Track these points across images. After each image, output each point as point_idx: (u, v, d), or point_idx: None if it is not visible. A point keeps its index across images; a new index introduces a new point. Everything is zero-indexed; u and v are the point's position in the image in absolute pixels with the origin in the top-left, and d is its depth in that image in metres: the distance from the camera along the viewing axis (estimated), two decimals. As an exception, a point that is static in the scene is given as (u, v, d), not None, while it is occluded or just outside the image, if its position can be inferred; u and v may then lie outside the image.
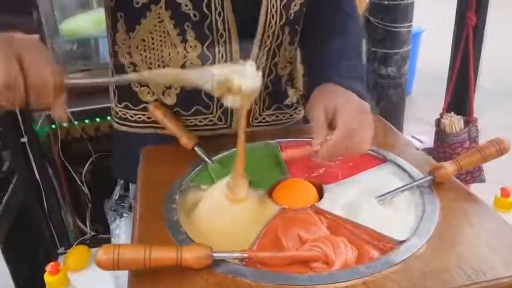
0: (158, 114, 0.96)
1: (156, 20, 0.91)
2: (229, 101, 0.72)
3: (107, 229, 1.70)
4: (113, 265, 0.59)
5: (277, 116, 1.09)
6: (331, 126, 0.80)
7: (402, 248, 0.65)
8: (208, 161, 0.89)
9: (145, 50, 0.96)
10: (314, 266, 0.63)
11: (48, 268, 1.18)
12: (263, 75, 1.00)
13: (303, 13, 0.98)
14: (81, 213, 1.97)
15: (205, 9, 0.88)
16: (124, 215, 1.60)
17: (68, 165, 1.86)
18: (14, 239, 1.47)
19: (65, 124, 1.84)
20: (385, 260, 0.63)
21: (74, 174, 1.88)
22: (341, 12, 0.99)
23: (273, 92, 1.05)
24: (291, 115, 1.12)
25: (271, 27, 0.93)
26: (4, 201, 1.47)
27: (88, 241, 1.89)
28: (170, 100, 0.99)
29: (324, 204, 0.76)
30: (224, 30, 0.91)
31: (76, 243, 1.83)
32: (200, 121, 1.01)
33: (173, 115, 0.98)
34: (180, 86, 0.97)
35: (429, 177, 0.80)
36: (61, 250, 1.75)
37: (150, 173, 0.89)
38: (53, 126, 1.81)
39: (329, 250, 0.63)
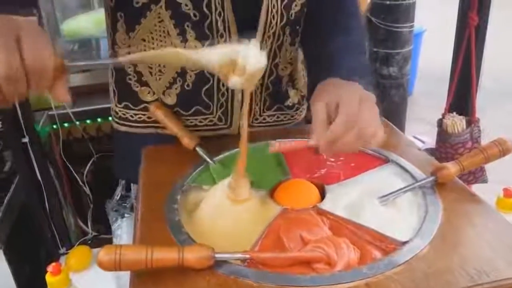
0: (159, 114, 0.96)
1: (156, 20, 0.91)
2: (233, 82, 0.71)
3: (108, 229, 1.69)
4: (114, 266, 0.59)
5: (278, 117, 1.09)
6: None
7: (405, 249, 0.65)
8: (210, 161, 0.89)
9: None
10: (316, 267, 0.63)
11: (50, 268, 1.18)
12: (264, 76, 1.00)
13: (303, 14, 0.98)
14: (83, 213, 1.97)
15: (205, 9, 0.88)
16: (126, 215, 1.60)
17: (69, 165, 1.86)
18: (15, 240, 1.47)
19: (66, 125, 1.84)
20: (388, 261, 0.63)
21: (75, 174, 1.88)
22: (343, 11, 0.98)
23: (273, 93, 1.05)
24: (292, 116, 1.11)
25: (272, 28, 0.93)
26: (5, 201, 1.47)
27: (89, 242, 1.89)
28: (170, 100, 0.99)
29: (326, 205, 0.76)
30: (224, 30, 0.90)
31: (77, 243, 1.83)
32: (200, 121, 1.01)
33: (174, 115, 0.98)
34: (180, 85, 0.97)
35: (432, 178, 0.79)
36: (62, 250, 1.75)
37: (152, 173, 0.89)
38: (54, 126, 1.81)
39: (332, 251, 0.63)
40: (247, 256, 0.64)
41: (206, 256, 0.61)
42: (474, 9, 1.89)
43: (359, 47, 0.96)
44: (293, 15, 0.95)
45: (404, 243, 0.66)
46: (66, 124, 1.84)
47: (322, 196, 0.79)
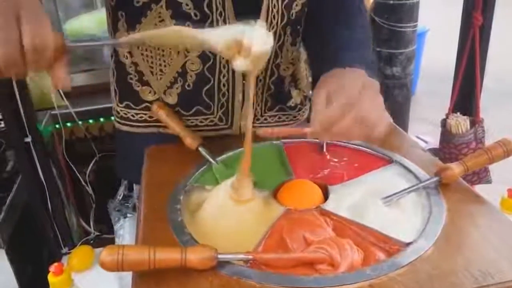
0: (162, 114, 0.96)
1: (156, 19, 0.90)
2: (238, 64, 0.69)
3: (111, 229, 1.70)
4: (117, 266, 0.59)
5: (279, 118, 1.08)
6: None
7: (409, 250, 0.65)
8: (213, 161, 0.88)
9: (146, 50, 0.96)
10: (320, 268, 0.62)
11: (52, 268, 1.18)
12: (265, 77, 1.00)
13: (304, 13, 0.98)
14: (85, 213, 1.97)
15: (206, 9, 0.87)
16: (128, 215, 1.60)
17: (72, 165, 1.86)
18: (18, 239, 1.47)
19: (69, 124, 1.84)
20: (392, 263, 0.62)
21: (78, 174, 1.88)
22: (346, 10, 0.96)
23: (275, 94, 1.04)
24: (294, 117, 1.11)
25: (273, 28, 0.93)
26: (8, 201, 1.47)
27: (92, 241, 1.89)
28: (171, 99, 0.99)
29: (329, 205, 0.75)
30: None
31: (80, 243, 1.83)
32: (201, 122, 1.01)
33: (176, 115, 0.98)
34: (181, 85, 0.97)
35: (436, 178, 0.79)
36: (65, 250, 1.75)
37: (154, 173, 0.89)
38: (57, 126, 1.81)
39: (335, 252, 0.62)
40: (250, 257, 0.63)
41: (208, 256, 0.61)
42: (479, 9, 1.88)
43: (363, 44, 0.93)
44: (294, 15, 0.95)
45: (408, 244, 0.66)
46: (68, 124, 1.84)
47: (326, 196, 0.79)
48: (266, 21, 0.91)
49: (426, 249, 0.64)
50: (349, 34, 0.92)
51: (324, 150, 0.92)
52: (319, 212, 0.74)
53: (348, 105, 0.70)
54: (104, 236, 1.93)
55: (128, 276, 0.64)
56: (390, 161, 0.88)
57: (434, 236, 0.67)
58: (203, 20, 0.88)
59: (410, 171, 0.84)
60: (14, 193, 1.52)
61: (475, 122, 1.99)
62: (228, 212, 0.73)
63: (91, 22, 2.01)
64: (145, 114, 1.02)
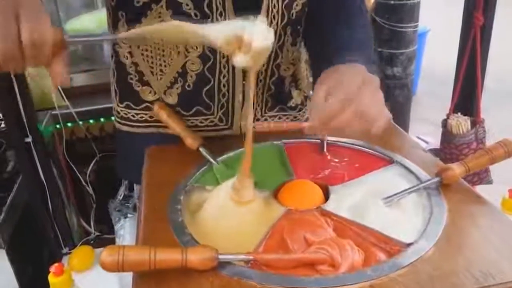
0: (163, 114, 0.96)
1: (157, 19, 0.90)
2: (239, 60, 0.68)
3: (111, 229, 1.70)
4: (117, 267, 0.59)
5: (280, 118, 1.08)
6: None
7: (410, 250, 0.64)
8: (213, 162, 0.88)
9: (146, 50, 0.95)
10: (321, 269, 0.62)
11: (52, 269, 1.18)
12: (265, 77, 1.00)
13: (305, 13, 0.97)
14: (86, 213, 1.97)
15: (206, 9, 0.87)
16: (129, 215, 1.60)
17: (72, 165, 1.86)
18: (18, 240, 1.47)
19: (69, 124, 1.84)
20: (393, 263, 0.62)
21: (78, 174, 1.88)
22: (346, 9, 0.96)
23: (275, 94, 1.04)
24: (295, 117, 1.11)
25: (273, 28, 0.92)
26: (8, 201, 1.47)
27: (92, 242, 1.89)
28: (172, 99, 0.99)
29: (330, 206, 0.75)
30: None
31: (80, 243, 1.83)
32: (201, 122, 1.01)
33: (177, 116, 0.98)
34: (181, 85, 0.97)
35: (437, 179, 0.79)
36: (65, 250, 1.75)
37: (155, 173, 0.89)
38: (57, 126, 1.81)
39: (336, 252, 0.62)
40: (251, 257, 0.63)
41: (209, 257, 0.61)
42: (480, 9, 1.88)
43: (363, 43, 0.93)
44: (294, 15, 0.94)
45: (409, 244, 0.66)
46: (69, 124, 1.84)
47: (326, 197, 0.79)
48: (266, 21, 0.91)
49: (427, 250, 0.64)
50: (350, 34, 0.92)
51: (325, 150, 0.92)
52: (320, 213, 0.74)
53: (347, 100, 0.70)
54: (105, 236, 1.92)
55: (128, 276, 0.64)
56: (391, 161, 0.88)
57: (435, 236, 0.67)
58: (203, 20, 0.88)
59: (411, 171, 0.84)
60: (14, 193, 1.52)
61: (476, 122, 1.99)
62: (228, 212, 0.73)
63: (92, 22, 2.00)
64: (146, 114, 1.02)
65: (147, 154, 0.95)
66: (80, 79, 1.91)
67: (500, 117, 3.47)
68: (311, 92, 1.12)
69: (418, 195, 0.78)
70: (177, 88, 0.97)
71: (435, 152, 2.02)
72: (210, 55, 0.92)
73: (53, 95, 1.74)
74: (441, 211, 0.73)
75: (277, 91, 1.04)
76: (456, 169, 0.79)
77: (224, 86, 0.96)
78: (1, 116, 1.63)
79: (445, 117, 2.05)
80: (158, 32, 0.71)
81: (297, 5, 0.94)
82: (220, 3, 0.87)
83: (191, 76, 0.95)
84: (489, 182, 2.00)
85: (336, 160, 0.90)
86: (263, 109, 1.04)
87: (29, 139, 1.54)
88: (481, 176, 1.97)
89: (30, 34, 0.59)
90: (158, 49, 0.94)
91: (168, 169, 0.89)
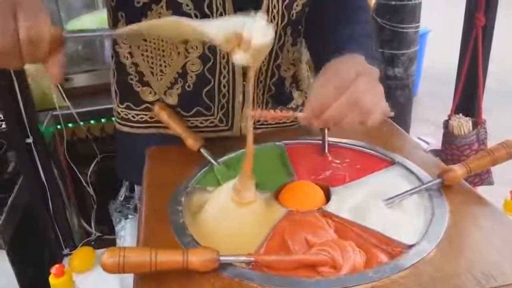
0: (164, 115, 0.96)
1: None
2: (238, 58, 0.67)
3: (112, 230, 1.70)
4: (118, 269, 0.59)
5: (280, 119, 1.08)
6: None
7: (411, 252, 0.64)
8: (214, 163, 0.88)
9: (146, 50, 0.95)
10: (322, 271, 0.62)
11: (53, 270, 1.18)
12: (266, 77, 0.99)
13: (305, 13, 0.97)
14: (86, 214, 1.97)
15: (206, 10, 0.87)
16: (129, 216, 1.60)
17: (73, 166, 1.86)
18: (19, 240, 1.47)
19: (70, 125, 1.84)
20: (394, 265, 0.62)
21: (79, 175, 1.88)
22: (347, 9, 0.95)
23: (276, 95, 1.04)
24: (295, 118, 1.10)
25: (273, 28, 0.92)
26: (9, 202, 1.47)
27: (93, 242, 1.89)
28: (172, 100, 0.98)
29: (331, 207, 0.75)
30: None
31: (81, 244, 1.83)
32: (201, 123, 1.01)
33: (178, 116, 0.97)
34: (181, 86, 0.96)
35: (438, 180, 0.79)
36: (66, 251, 1.75)
37: (156, 174, 0.89)
38: (58, 126, 1.81)
39: (337, 254, 0.62)
40: (252, 259, 0.63)
41: (210, 259, 0.61)
42: (481, 9, 1.88)
43: (364, 39, 0.90)
44: (294, 15, 0.94)
45: (411, 246, 0.66)
46: (70, 125, 1.84)
47: (327, 198, 0.79)
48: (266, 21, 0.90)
49: (429, 251, 0.64)
50: (350, 32, 0.91)
51: (326, 151, 0.92)
52: (321, 214, 0.74)
53: (341, 88, 0.68)
54: (105, 237, 1.92)
55: (129, 277, 0.64)
56: (392, 162, 0.88)
57: (437, 238, 0.67)
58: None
59: (412, 172, 0.84)
60: (15, 194, 1.52)
61: (478, 123, 1.99)
62: (229, 213, 0.73)
63: (93, 23, 2.00)
64: (146, 115, 1.02)
65: (148, 155, 0.95)
66: (81, 80, 1.91)
67: (501, 118, 3.47)
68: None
69: (419, 197, 0.78)
70: (177, 89, 0.97)
71: (436, 153, 2.02)
72: (210, 56, 0.92)
73: (54, 96, 1.74)
74: (443, 213, 0.72)
75: (278, 92, 1.03)
76: (458, 170, 0.79)
77: (224, 86, 0.96)
78: (2, 116, 1.64)
79: (446, 117, 2.05)
80: (156, 28, 0.70)
81: (297, 5, 0.93)
82: (220, 4, 0.87)
83: (191, 77, 0.95)
84: (490, 183, 2.00)
85: (337, 161, 0.90)
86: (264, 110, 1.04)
87: (30, 140, 1.54)
88: (482, 177, 1.97)
89: (28, 31, 0.59)
90: (158, 50, 0.94)
91: (169, 170, 0.89)
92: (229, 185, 0.75)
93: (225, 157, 0.91)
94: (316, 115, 0.71)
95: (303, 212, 0.74)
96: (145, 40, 0.94)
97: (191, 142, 0.91)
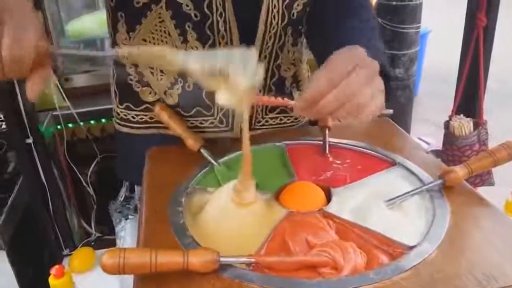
0: (164, 115, 0.96)
1: (157, 20, 0.90)
2: (222, 98, 0.64)
3: (112, 231, 1.70)
4: (118, 270, 0.58)
5: (281, 120, 1.07)
6: None
7: (412, 253, 0.64)
8: (215, 163, 0.88)
9: None
10: (323, 272, 0.62)
11: (53, 271, 1.18)
12: (266, 78, 0.99)
13: (306, 13, 0.97)
14: (86, 214, 1.97)
15: (206, 10, 0.87)
16: (130, 216, 1.60)
17: (73, 166, 1.86)
18: (19, 241, 1.47)
19: (70, 125, 1.84)
20: (395, 266, 0.62)
21: (79, 175, 1.88)
22: (347, 8, 0.94)
23: (276, 95, 1.03)
24: (296, 118, 1.10)
25: (273, 28, 0.92)
26: (9, 202, 1.47)
27: (93, 243, 1.89)
28: (172, 100, 0.98)
29: (332, 208, 0.75)
30: (226, 31, 0.90)
31: (81, 244, 1.83)
32: (201, 123, 1.00)
33: (178, 117, 0.97)
34: (181, 86, 0.96)
35: (439, 181, 0.78)
36: (66, 251, 1.75)
37: (156, 174, 0.89)
38: (58, 126, 1.81)
39: (338, 255, 0.62)
40: (252, 260, 0.63)
41: (211, 260, 0.60)
42: (483, 9, 1.87)
43: (365, 35, 0.89)
44: (295, 15, 0.94)
45: (412, 247, 0.65)
46: (70, 125, 1.84)
47: (328, 199, 0.78)
48: (266, 21, 0.90)
49: (430, 252, 0.64)
50: (352, 28, 0.90)
51: (327, 152, 0.92)
52: (322, 215, 0.74)
53: (335, 80, 0.67)
54: (105, 237, 1.92)
55: (129, 278, 0.64)
56: (393, 163, 0.88)
57: (438, 239, 0.66)
58: (203, 21, 0.88)
59: (413, 173, 0.84)
60: (15, 194, 1.52)
61: (479, 124, 1.98)
62: (230, 214, 0.73)
63: (93, 23, 2.01)
64: (146, 115, 1.02)
65: (148, 156, 0.95)
66: (81, 80, 1.91)
67: (502, 118, 3.47)
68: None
69: (420, 197, 0.77)
70: (177, 89, 0.97)
71: (436, 153, 2.01)
72: None
73: (54, 96, 1.74)
74: (444, 214, 0.72)
75: (278, 92, 1.03)
76: (459, 171, 0.78)
77: None
78: (2, 116, 1.63)
79: (446, 118, 2.05)
80: (144, 55, 0.67)
81: (298, 5, 0.93)
82: (220, 4, 0.87)
83: (191, 77, 0.95)
84: (491, 184, 2.00)
85: (338, 162, 0.89)
86: (264, 111, 1.04)
87: (30, 140, 1.54)
88: (483, 178, 1.97)
89: (10, 50, 0.58)
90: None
91: (169, 170, 0.88)
92: (230, 186, 0.75)
93: (226, 158, 0.90)
94: (309, 106, 0.69)
95: (303, 213, 0.74)
96: (145, 40, 0.94)
97: (192, 142, 0.91)
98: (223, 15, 0.88)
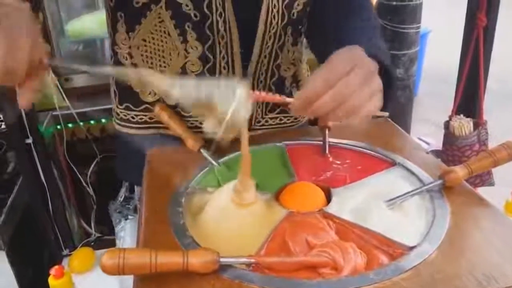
0: (164, 115, 0.96)
1: (156, 20, 0.90)
2: (209, 126, 0.64)
3: (112, 231, 1.70)
4: (118, 270, 0.58)
5: (280, 120, 1.07)
6: None
7: (413, 254, 0.64)
8: (215, 163, 0.88)
9: (146, 51, 0.95)
10: (323, 272, 0.62)
11: (53, 271, 1.18)
12: (266, 78, 0.99)
13: (306, 13, 0.97)
14: (86, 214, 1.97)
15: (205, 10, 0.87)
16: (129, 217, 1.60)
17: (73, 166, 1.86)
18: (18, 241, 1.47)
19: (70, 125, 1.84)
20: (395, 267, 0.62)
21: (79, 175, 1.88)
22: (348, 8, 0.94)
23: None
24: (295, 118, 1.10)
25: (273, 28, 0.92)
26: (9, 202, 1.47)
27: (92, 243, 1.89)
28: (172, 100, 0.98)
29: (332, 208, 0.75)
30: (225, 31, 0.89)
31: (80, 245, 1.83)
32: (201, 123, 1.00)
33: (178, 117, 0.97)
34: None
35: (439, 181, 0.78)
36: (65, 252, 1.75)
37: (156, 175, 0.89)
38: (58, 126, 1.81)
39: (338, 255, 0.62)
40: (252, 260, 0.63)
41: (211, 260, 0.60)
42: (483, 10, 1.87)
43: (366, 34, 0.88)
44: (295, 14, 0.94)
45: (412, 248, 0.65)
46: (70, 125, 1.84)
47: (328, 199, 0.78)
48: (266, 21, 0.90)
49: (430, 253, 0.64)
50: (352, 28, 0.90)
51: (327, 152, 0.91)
52: (322, 215, 0.73)
53: (331, 81, 0.66)
54: (105, 237, 1.92)
55: (129, 278, 0.63)
56: (393, 163, 0.87)
57: (438, 239, 0.66)
58: (202, 21, 0.88)
59: (413, 173, 0.83)
60: (15, 195, 1.52)
61: (479, 124, 1.98)
62: (230, 215, 0.73)
63: (93, 23, 2.01)
64: (145, 115, 1.01)
65: (148, 156, 0.94)
66: (81, 80, 1.91)
67: (502, 118, 3.47)
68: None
69: (421, 198, 0.77)
70: (177, 89, 0.97)
71: (436, 153, 2.01)
72: (210, 56, 0.92)
73: (54, 96, 1.74)
74: (444, 214, 0.72)
75: (278, 92, 1.02)
76: (459, 171, 0.78)
77: None
78: (2, 117, 1.63)
79: (446, 118, 2.05)
80: (142, 77, 0.68)
81: (298, 4, 0.93)
82: (220, 4, 0.86)
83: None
84: (491, 184, 2.00)
85: (338, 162, 0.89)
86: (264, 111, 1.04)
87: (29, 140, 1.54)
88: (483, 178, 1.97)
89: (3, 63, 0.58)
90: (158, 50, 0.94)
91: (169, 170, 0.88)
92: (230, 186, 0.75)
93: (226, 158, 0.90)
94: (305, 106, 0.68)
95: (303, 213, 0.74)
96: (144, 40, 0.94)
97: (192, 142, 0.91)
98: (223, 15, 0.88)
